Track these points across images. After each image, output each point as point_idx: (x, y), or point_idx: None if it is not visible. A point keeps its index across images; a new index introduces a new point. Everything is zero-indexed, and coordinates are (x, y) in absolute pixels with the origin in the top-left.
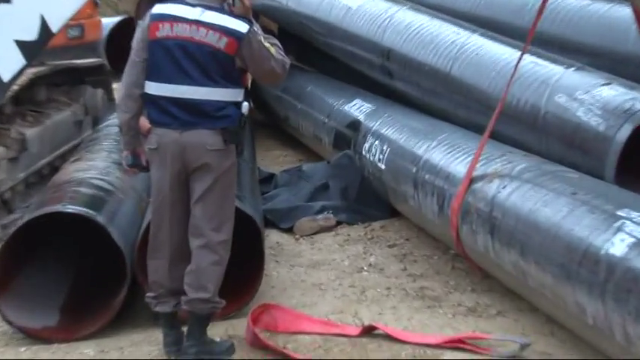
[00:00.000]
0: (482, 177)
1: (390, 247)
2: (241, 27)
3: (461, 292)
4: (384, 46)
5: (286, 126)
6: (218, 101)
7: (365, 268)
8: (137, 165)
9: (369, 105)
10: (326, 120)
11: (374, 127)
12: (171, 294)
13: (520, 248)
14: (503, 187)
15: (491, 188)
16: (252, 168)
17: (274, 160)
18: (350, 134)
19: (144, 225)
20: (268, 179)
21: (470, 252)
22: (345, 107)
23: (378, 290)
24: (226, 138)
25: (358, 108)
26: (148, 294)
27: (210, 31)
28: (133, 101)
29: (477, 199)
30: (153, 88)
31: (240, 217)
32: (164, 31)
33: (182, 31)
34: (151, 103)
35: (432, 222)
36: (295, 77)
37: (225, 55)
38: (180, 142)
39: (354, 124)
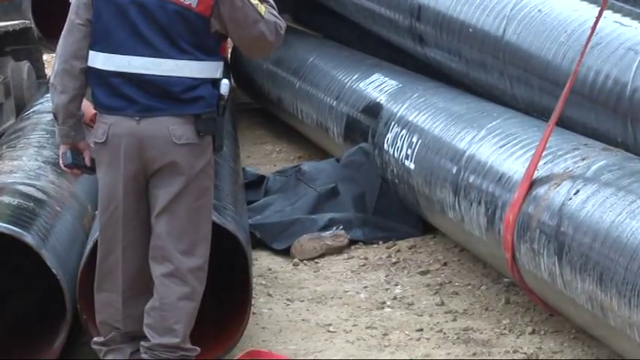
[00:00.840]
0: (546, 179)
1: (421, 274)
2: None
3: (517, 334)
4: (413, 1)
5: (280, 111)
6: (188, 78)
7: (388, 302)
8: (78, 165)
9: (393, 82)
10: (334, 103)
11: (399, 112)
12: (127, 339)
13: (598, 275)
14: (575, 193)
15: (558, 194)
16: (234, 168)
17: (264, 157)
18: (367, 122)
19: (89, 246)
20: (256, 183)
21: (530, 280)
22: (361, 85)
23: (406, 332)
24: (200, 128)
25: (378, 86)
26: (95, 339)
27: None
28: (71, 78)
29: (540, 208)
30: (100, 60)
31: (220, 236)
32: None
33: None
34: (96, 81)
35: (478, 240)
36: (292, 45)
37: (198, 15)
38: (137, 134)
39: (373, 109)
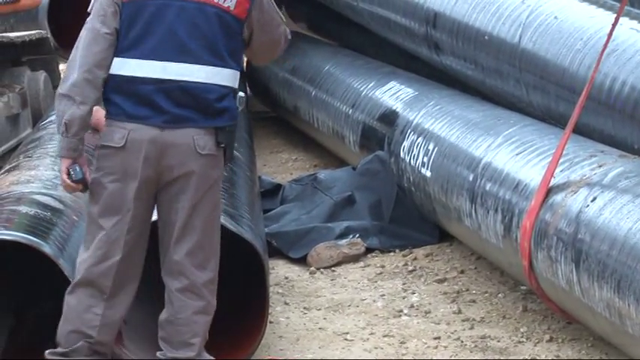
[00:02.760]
0: (563, 186)
1: (438, 282)
2: None
3: (535, 342)
4: (428, 9)
5: (296, 119)
6: (220, 86)
7: (405, 310)
8: (84, 180)
9: (409, 90)
10: (350, 111)
11: (415, 120)
12: (92, 352)
13: (616, 282)
14: (593, 200)
15: (575, 201)
16: (250, 177)
17: (280, 165)
18: (383, 129)
19: None
20: (273, 192)
21: (547, 288)
22: (377, 93)
23: (423, 341)
24: (221, 140)
25: (394, 94)
26: (51, 350)
27: None
28: (93, 88)
29: (557, 216)
30: (130, 67)
31: (237, 245)
32: None
33: None
34: (122, 89)
35: (495, 248)
36: (308, 53)
37: (235, 19)
38: (160, 141)
39: (389, 117)
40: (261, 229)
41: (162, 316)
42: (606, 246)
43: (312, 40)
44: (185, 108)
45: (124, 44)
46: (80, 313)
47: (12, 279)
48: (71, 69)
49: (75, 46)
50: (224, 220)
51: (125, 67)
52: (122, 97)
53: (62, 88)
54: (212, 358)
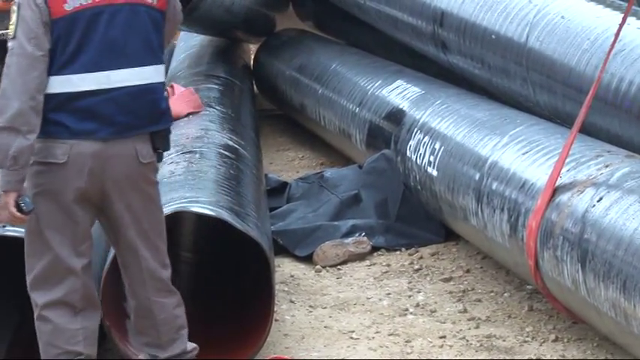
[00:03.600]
0: (569, 186)
1: (444, 281)
2: None
3: (540, 341)
4: (436, 8)
5: (303, 118)
6: (161, 83)
7: (410, 309)
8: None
9: (416, 88)
10: (357, 109)
11: (422, 119)
12: None
13: (622, 282)
14: (599, 200)
15: (582, 201)
16: (257, 175)
17: (287, 163)
18: (389, 128)
19: (111, 253)
20: (279, 190)
21: (553, 288)
22: (383, 92)
23: (429, 340)
24: (158, 145)
25: (401, 93)
26: None
27: None
28: (36, 115)
29: (563, 216)
30: (73, 83)
31: (243, 243)
32: (74, 0)
33: None
34: (64, 107)
35: (501, 247)
36: (315, 51)
37: (159, 12)
38: (104, 154)
39: (395, 115)
40: (267, 227)
41: (139, 323)
42: (612, 246)
43: (319, 38)
44: (132, 114)
45: (61, 61)
46: (60, 334)
47: (16, 275)
48: (8, 98)
49: (4, 73)
50: (231, 218)
51: (67, 84)
52: (65, 114)
53: (2, 120)
54: (195, 345)
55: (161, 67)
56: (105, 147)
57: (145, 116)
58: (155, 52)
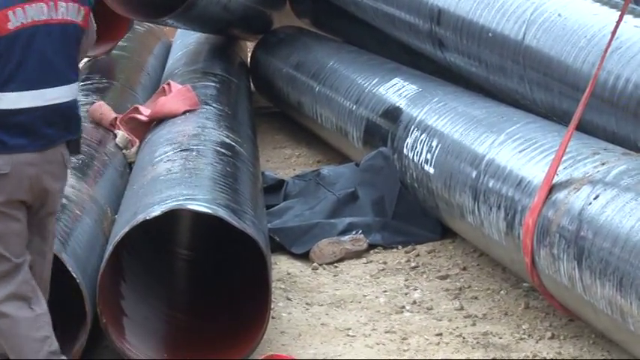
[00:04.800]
0: (566, 183)
1: (440, 278)
2: None
3: (537, 339)
4: (432, 6)
5: (300, 115)
6: (77, 100)
7: (407, 307)
8: None
9: (413, 86)
10: (354, 107)
11: (419, 117)
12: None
13: (618, 280)
14: (595, 198)
15: (578, 199)
16: (253, 172)
17: (284, 161)
18: (386, 126)
19: (109, 249)
20: (276, 188)
21: (549, 285)
22: (380, 89)
23: (425, 337)
24: (72, 150)
25: (398, 90)
26: None
27: (70, 3)
28: None
29: (560, 213)
30: (11, 100)
31: (240, 240)
32: (17, 19)
33: (38, 12)
34: (1, 123)
35: (497, 245)
36: (312, 49)
37: (82, 30)
38: (40, 163)
39: (392, 113)
40: (264, 225)
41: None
42: (608, 243)
43: (316, 35)
44: (56, 127)
45: (1, 79)
46: (26, 325)
47: None
48: None
49: None
50: (228, 215)
51: (5, 101)
52: (2, 130)
53: None
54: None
55: (77, 84)
56: (40, 156)
57: (67, 127)
58: (76, 69)
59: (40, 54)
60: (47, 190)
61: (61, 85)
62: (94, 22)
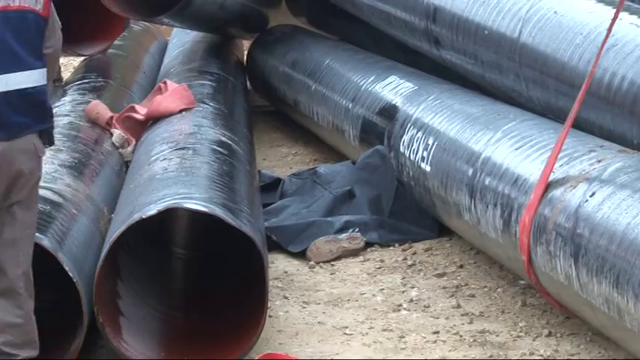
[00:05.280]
0: (562, 181)
1: (437, 276)
2: None
3: (533, 336)
4: (428, 3)
5: (296, 114)
6: (45, 85)
7: (404, 305)
8: None
9: (409, 84)
10: (350, 105)
11: (415, 115)
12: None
13: (615, 277)
14: (592, 195)
15: (574, 196)
16: (250, 171)
17: (280, 159)
18: (383, 124)
19: (105, 248)
20: (272, 186)
21: (546, 283)
22: (377, 87)
23: (422, 335)
24: (44, 141)
25: (394, 88)
26: None
27: None
28: None
29: (556, 211)
30: None
31: (237, 239)
32: None
33: None
34: None
35: (494, 243)
36: (308, 47)
37: (44, 19)
38: (8, 154)
39: (389, 111)
40: (261, 223)
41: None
42: (605, 241)
43: (313, 34)
44: (25, 115)
45: None
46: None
47: None
48: None
49: None
50: (224, 214)
51: None
52: None
53: None
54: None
55: (45, 71)
56: (9, 145)
57: (36, 116)
58: (40, 56)
59: (0, 41)
60: (16, 178)
61: (23, 70)
62: (55, 15)
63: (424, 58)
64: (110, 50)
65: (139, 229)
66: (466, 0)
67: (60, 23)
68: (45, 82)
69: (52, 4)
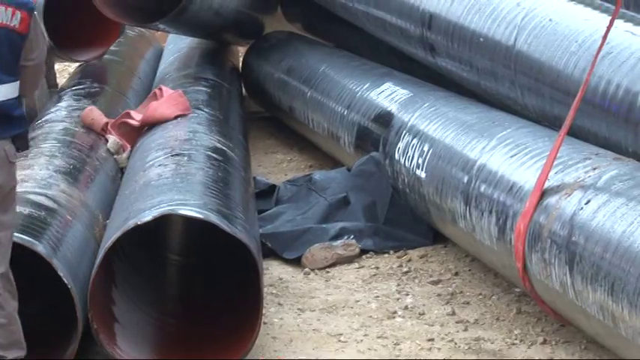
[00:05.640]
0: (557, 189)
1: (432, 283)
2: None
3: (528, 344)
4: (424, 11)
5: (291, 120)
6: (16, 98)
7: (399, 312)
8: None
9: (404, 91)
10: (345, 112)
11: (410, 122)
12: None
13: (609, 285)
14: (587, 203)
15: (570, 204)
16: (245, 177)
17: (275, 166)
18: (378, 131)
19: (100, 255)
20: (267, 192)
21: (541, 290)
22: (372, 94)
23: (417, 342)
24: (19, 146)
25: (389, 95)
26: None
27: (2, 7)
28: None
29: (551, 218)
30: None
31: (231, 245)
32: None
33: None
34: None
35: (489, 250)
36: (304, 54)
37: (20, 36)
38: None
39: (384, 118)
40: (256, 230)
41: None
42: (600, 248)
43: (308, 40)
44: None
45: None
46: None
47: None
48: None
49: None
50: (219, 220)
51: None
52: None
53: None
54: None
55: (16, 83)
56: None
57: (5, 125)
58: (12, 71)
59: None
60: None
61: None
62: (42, 27)
63: (419, 65)
64: (106, 56)
65: (134, 236)
66: (462, 7)
67: (45, 36)
68: (15, 95)
69: (33, 19)
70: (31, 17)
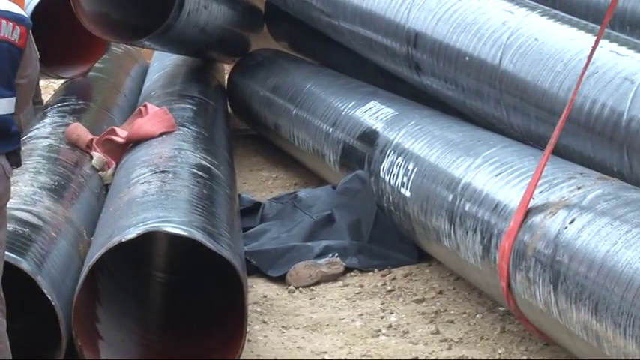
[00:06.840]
0: (542, 208)
1: (416, 302)
2: (21, 10)
3: None
4: (409, 29)
5: (276, 138)
6: (13, 113)
7: (383, 330)
8: None
9: (389, 109)
10: (330, 130)
11: (395, 140)
12: None
13: (593, 304)
14: (571, 222)
15: (554, 223)
16: (230, 195)
17: (260, 183)
18: (363, 149)
19: (84, 272)
20: (252, 210)
21: (525, 309)
22: (357, 112)
23: None
24: (12, 162)
25: (374, 114)
26: None
27: (4, 21)
28: None
29: (536, 237)
30: None
31: (216, 263)
32: None
33: None
34: None
35: (473, 269)
36: (289, 72)
37: (19, 50)
38: None
39: (369, 136)
40: (240, 248)
41: None
42: (584, 268)
43: (293, 58)
44: None
45: None
46: None
47: None
48: None
49: None
50: (204, 238)
51: None
52: None
53: None
54: None
55: (13, 100)
56: None
57: (3, 140)
58: (11, 86)
59: None
60: None
61: None
62: (34, 44)
63: (405, 83)
64: (91, 73)
65: (118, 253)
66: (447, 26)
67: (38, 53)
68: (12, 111)
69: (29, 34)
70: (28, 33)
